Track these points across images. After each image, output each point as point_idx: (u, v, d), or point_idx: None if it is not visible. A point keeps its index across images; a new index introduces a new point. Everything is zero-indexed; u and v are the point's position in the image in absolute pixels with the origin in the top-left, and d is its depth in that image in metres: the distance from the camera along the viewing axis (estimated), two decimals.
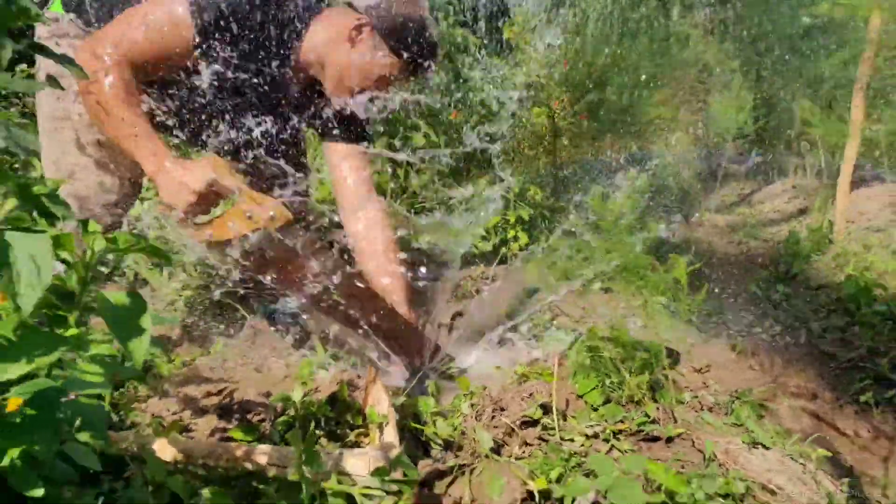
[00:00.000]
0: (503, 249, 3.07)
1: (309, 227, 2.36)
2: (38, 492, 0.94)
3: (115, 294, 0.93)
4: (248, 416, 1.74)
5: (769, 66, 4.92)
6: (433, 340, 2.26)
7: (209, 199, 1.73)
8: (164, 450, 1.42)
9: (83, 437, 1.01)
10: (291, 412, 1.66)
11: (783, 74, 5.03)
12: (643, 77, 3.73)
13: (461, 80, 3.86)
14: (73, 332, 0.95)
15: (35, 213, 0.88)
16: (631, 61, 3.77)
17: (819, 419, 2.07)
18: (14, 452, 0.92)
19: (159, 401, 1.81)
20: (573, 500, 1.28)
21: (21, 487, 0.94)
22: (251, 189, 1.80)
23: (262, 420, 1.72)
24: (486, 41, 3.69)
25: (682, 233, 3.79)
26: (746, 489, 1.24)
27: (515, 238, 3.04)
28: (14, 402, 0.89)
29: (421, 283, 2.66)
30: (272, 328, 2.45)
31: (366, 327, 2.07)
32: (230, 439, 1.61)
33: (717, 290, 2.96)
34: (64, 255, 0.90)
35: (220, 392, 1.89)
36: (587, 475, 1.32)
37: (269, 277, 1.98)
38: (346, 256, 2.23)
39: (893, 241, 2.96)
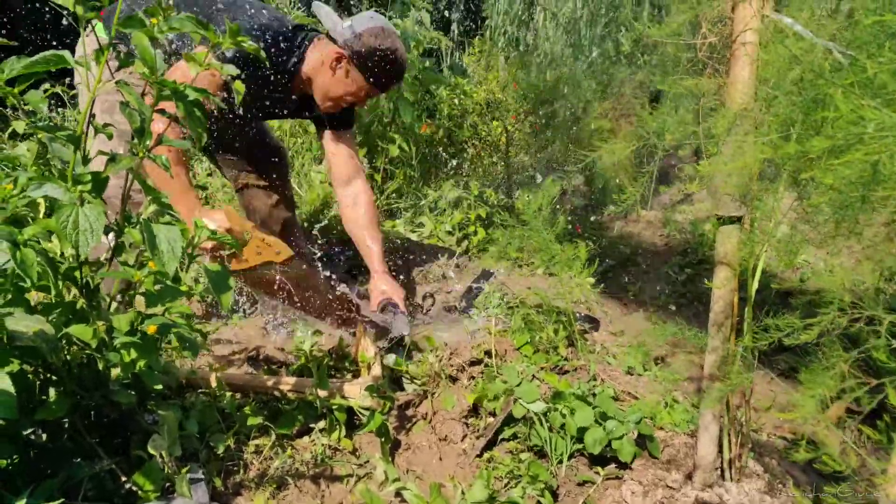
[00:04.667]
0: (465, 242, 3.68)
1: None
2: (159, 386, 1.54)
3: (212, 264, 1.52)
4: (270, 366, 2.34)
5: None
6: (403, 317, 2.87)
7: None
8: (214, 380, 2.00)
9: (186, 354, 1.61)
10: (302, 360, 2.25)
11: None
12: (586, 94, 4.37)
13: (431, 97, 4.47)
14: (184, 287, 1.54)
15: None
16: (576, 80, 4.41)
17: (702, 367, 2.71)
18: (142, 363, 1.51)
19: (197, 358, 2.39)
20: (500, 409, 1.91)
21: (150, 383, 1.53)
22: (260, 231, 2.39)
23: (280, 367, 2.32)
24: (450, 64, 4.29)
25: (620, 227, 4.43)
26: (615, 393, 1.86)
27: (475, 232, 3.65)
28: (152, 328, 1.48)
29: (398, 270, 3.28)
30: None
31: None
32: None
33: (640, 273, 3.61)
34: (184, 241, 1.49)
35: (243, 350, 2.48)
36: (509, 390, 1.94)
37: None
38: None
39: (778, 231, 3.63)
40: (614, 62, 4.70)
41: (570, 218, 3.96)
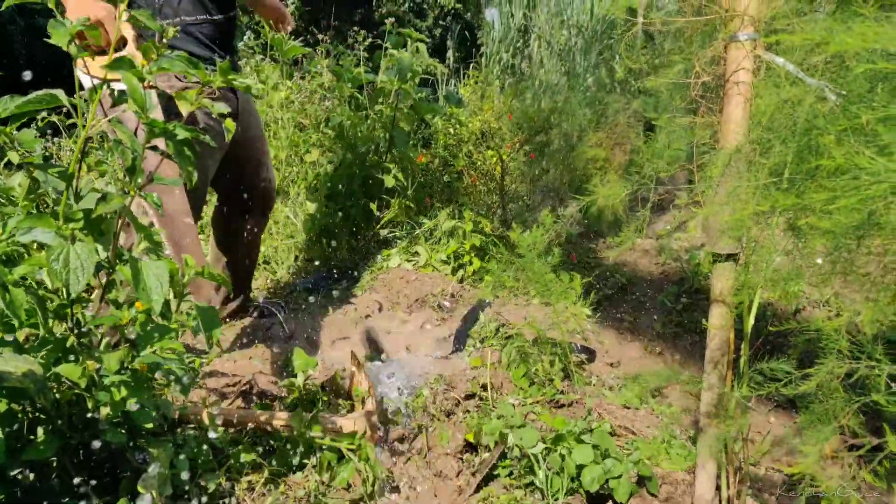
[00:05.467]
0: (460, 271, 3.67)
1: None
2: (150, 424, 1.52)
3: (201, 304, 1.51)
4: (264, 400, 2.31)
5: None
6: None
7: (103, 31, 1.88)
8: (206, 416, 1.98)
9: (177, 389, 1.59)
10: (296, 394, 2.23)
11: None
12: (581, 123, 4.39)
13: (427, 127, 4.49)
14: (174, 325, 1.53)
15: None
16: (570, 109, 4.43)
17: (699, 398, 2.69)
18: (133, 401, 1.49)
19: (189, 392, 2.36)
20: (495, 444, 1.88)
21: (141, 422, 1.51)
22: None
23: (274, 400, 2.29)
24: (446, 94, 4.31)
25: (615, 255, 4.43)
26: (612, 429, 1.84)
27: (470, 262, 3.64)
28: (142, 366, 1.47)
29: (394, 299, 3.27)
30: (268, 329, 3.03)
31: None
32: None
33: (636, 302, 3.60)
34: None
35: (236, 383, 2.45)
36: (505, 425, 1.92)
37: None
38: None
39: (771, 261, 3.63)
40: (609, 91, 4.73)
41: (564, 247, 3.96)
